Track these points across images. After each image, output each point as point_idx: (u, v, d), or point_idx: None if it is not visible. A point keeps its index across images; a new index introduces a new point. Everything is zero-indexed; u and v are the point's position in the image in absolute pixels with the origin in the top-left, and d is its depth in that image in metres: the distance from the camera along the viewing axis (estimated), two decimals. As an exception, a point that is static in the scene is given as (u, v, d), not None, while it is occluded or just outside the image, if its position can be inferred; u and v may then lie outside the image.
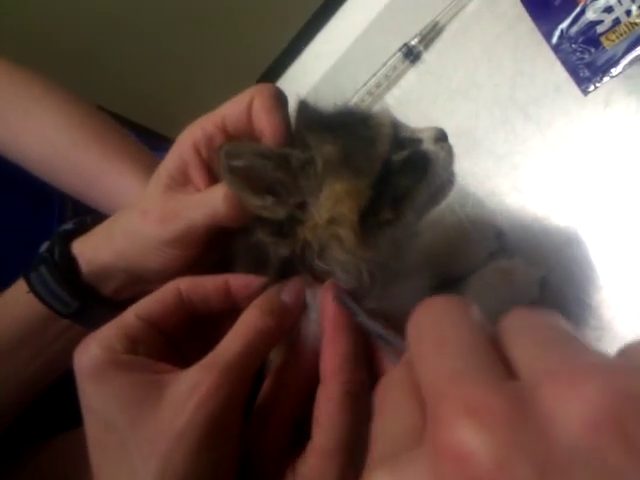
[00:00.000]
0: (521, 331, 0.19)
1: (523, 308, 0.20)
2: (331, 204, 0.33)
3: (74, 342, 0.42)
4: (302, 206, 0.34)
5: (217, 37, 1.46)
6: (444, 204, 0.42)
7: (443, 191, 0.39)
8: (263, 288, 0.33)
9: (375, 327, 0.31)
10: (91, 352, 0.30)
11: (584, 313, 0.45)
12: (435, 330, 0.19)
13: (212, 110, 0.40)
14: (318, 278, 0.34)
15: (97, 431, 0.30)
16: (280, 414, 0.32)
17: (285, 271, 0.34)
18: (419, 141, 0.38)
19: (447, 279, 0.46)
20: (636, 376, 0.15)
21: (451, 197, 0.43)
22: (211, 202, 0.36)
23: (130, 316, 0.32)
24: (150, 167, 0.53)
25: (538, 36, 0.55)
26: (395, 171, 0.35)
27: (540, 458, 0.14)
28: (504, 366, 0.18)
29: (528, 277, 0.44)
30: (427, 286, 0.39)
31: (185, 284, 0.34)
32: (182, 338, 0.34)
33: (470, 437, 0.15)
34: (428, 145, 0.38)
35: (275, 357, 0.34)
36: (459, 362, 0.18)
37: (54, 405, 0.47)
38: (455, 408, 0.16)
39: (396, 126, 0.38)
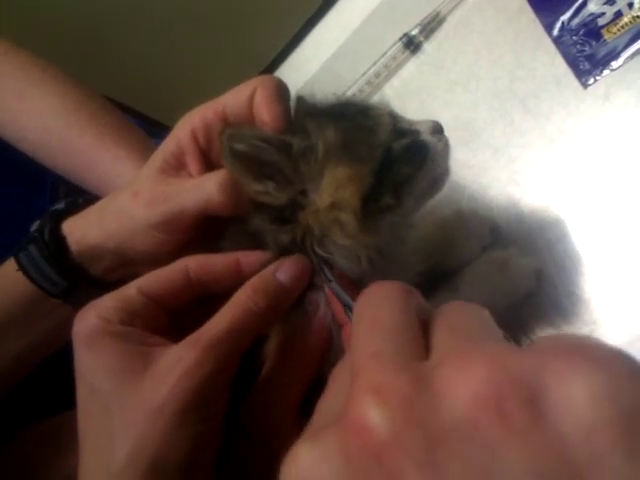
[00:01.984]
0: (443, 318, 0.21)
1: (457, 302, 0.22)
2: (333, 189, 0.34)
3: (62, 322, 0.43)
4: (302, 192, 0.35)
5: (221, 27, 1.45)
6: (439, 196, 0.42)
7: (439, 183, 0.40)
8: (268, 263, 0.33)
9: (345, 297, 0.31)
10: (88, 320, 0.30)
11: (577, 307, 0.45)
12: (373, 311, 0.21)
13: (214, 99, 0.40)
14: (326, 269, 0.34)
15: (84, 397, 0.30)
16: (288, 388, 0.33)
17: None
18: (417, 132, 0.38)
19: (441, 271, 0.46)
20: (520, 361, 0.17)
21: (447, 189, 0.43)
22: (205, 189, 0.36)
23: (132, 290, 0.32)
24: (146, 151, 0.53)
25: (539, 28, 0.54)
26: (395, 159, 0.35)
27: (429, 432, 0.16)
28: (424, 348, 0.20)
29: (523, 268, 0.44)
30: (419, 274, 0.40)
31: (194, 263, 0.33)
32: (188, 313, 0.34)
33: (371, 413, 0.17)
34: (426, 136, 0.38)
35: (276, 334, 0.34)
36: (383, 343, 0.20)
37: (40, 389, 0.47)
38: (364, 387, 0.18)
39: (394, 117, 0.38)
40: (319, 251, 0.34)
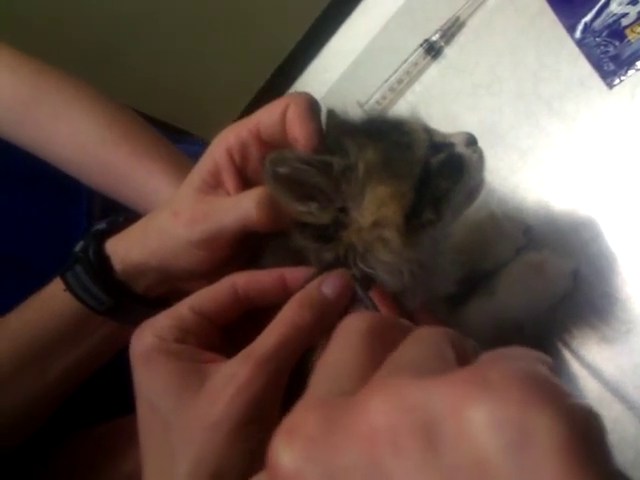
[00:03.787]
0: (398, 350, 0.21)
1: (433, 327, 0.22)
2: (375, 207, 0.35)
3: (107, 337, 0.44)
4: (344, 210, 0.35)
5: (233, 33, 1.48)
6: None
7: (475, 194, 0.41)
8: (312, 279, 0.34)
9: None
10: (144, 339, 0.32)
11: (613, 307, 0.45)
12: (331, 346, 0.22)
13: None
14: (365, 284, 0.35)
15: (144, 413, 0.31)
16: None
17: None
18: (452, 145, 0.39)
19: (477, 275, 0.46)
20: (418, 392, 0.17)
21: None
22: (243, 207, 0.38)
23: (184, 308, 0.33)
24: (179, 165, 0.55)
25: (561, 30, 0.55)
26: (433, 174, 0.36)
27: (329, 469, 0.17)
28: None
29: (560, 269, 0.44)
30: (457, 282, 0.41)
31: (241, 280, 0.34)
32: (238, 328, 0.35)
33: (279, 452, 0.18)
34: (461, 149, 0.39)
35: (322, 346, 0.35)
36: (320, 381, 0.21)
37: (94, 395, 0.48)
38: (281, 427, 0.18)
39: (429, 131, 0.39)
40: (363, 267, 0.35)
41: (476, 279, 0.46)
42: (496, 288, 0.44)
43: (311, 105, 0.38)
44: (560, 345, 0.46)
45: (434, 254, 0.38)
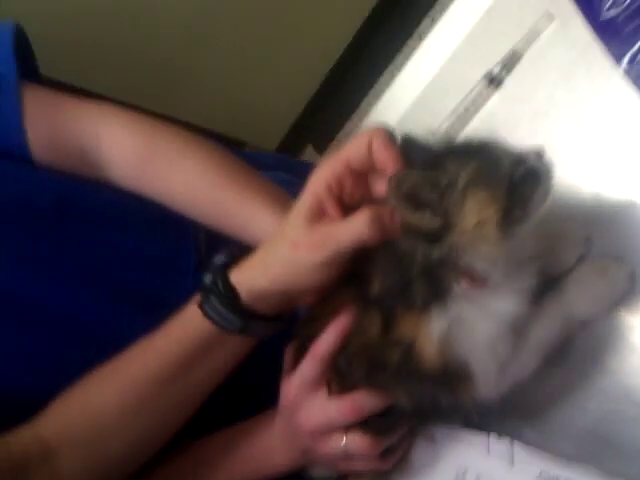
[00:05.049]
0: None
1: None
2: (478, 209, 0.45)
3: (233, 350, 0.56)
4: (450, 216, 0.45)
5: (286, 46, 1.67)
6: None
7: (546, 197, 0.49)
8: None
9: None
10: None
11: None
12: None
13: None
14: (461, 274, 0.46)
15: None
16: None
17: (429, 272, 0.46)
18: (527, 160, 0.48)
19: (542, 280, 0.54)
20: None
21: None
22: (357, 227, 0.47)
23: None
24: (275, 196, 0.66)
25: (610, 60, 0.61)
26: (517, 183, 0.46)
27: None
28: None
29: (622, 272, 0.52)
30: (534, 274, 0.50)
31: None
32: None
33: None
34: (534, 162, 0.48)
35: None
36: None
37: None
38: None
39: (507, 150, 0.48)
40: (464, 260, 0.45)
41: (542, 285, 0.54)
42: (563, 292, 0.52)
43: (390, 135, 0.49)
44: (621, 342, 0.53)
45: (517, 246, 0.47)
